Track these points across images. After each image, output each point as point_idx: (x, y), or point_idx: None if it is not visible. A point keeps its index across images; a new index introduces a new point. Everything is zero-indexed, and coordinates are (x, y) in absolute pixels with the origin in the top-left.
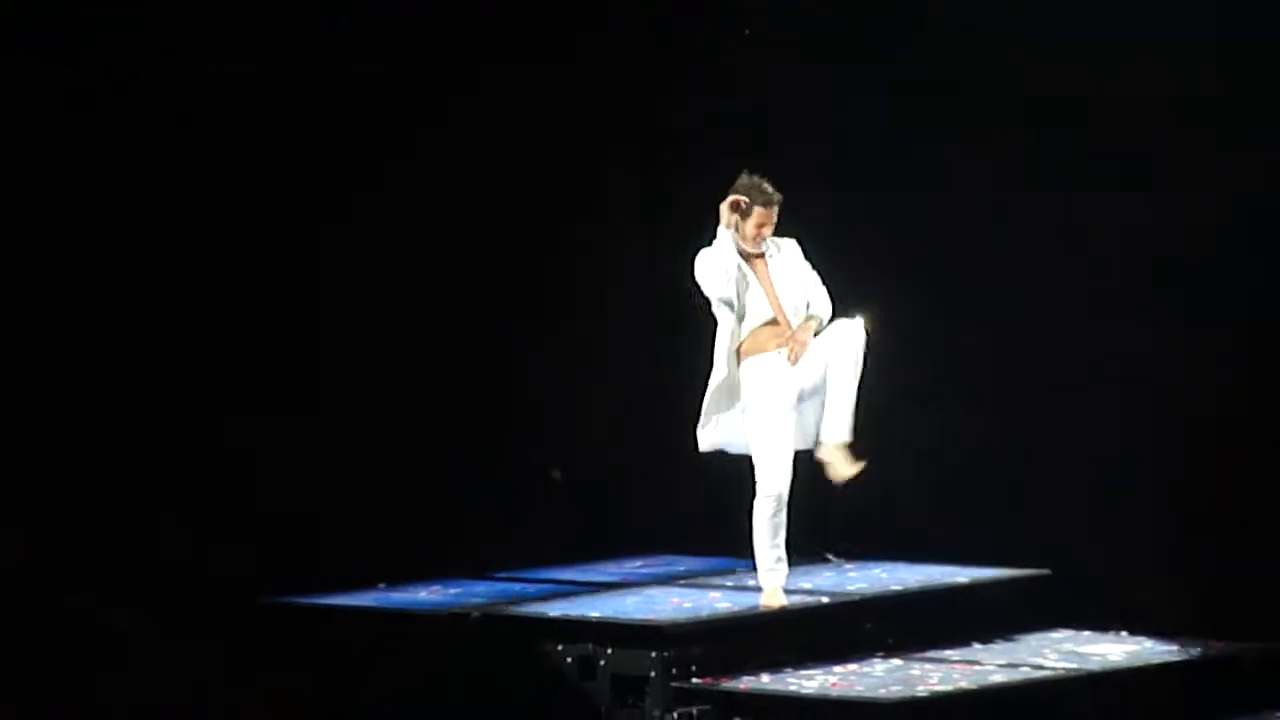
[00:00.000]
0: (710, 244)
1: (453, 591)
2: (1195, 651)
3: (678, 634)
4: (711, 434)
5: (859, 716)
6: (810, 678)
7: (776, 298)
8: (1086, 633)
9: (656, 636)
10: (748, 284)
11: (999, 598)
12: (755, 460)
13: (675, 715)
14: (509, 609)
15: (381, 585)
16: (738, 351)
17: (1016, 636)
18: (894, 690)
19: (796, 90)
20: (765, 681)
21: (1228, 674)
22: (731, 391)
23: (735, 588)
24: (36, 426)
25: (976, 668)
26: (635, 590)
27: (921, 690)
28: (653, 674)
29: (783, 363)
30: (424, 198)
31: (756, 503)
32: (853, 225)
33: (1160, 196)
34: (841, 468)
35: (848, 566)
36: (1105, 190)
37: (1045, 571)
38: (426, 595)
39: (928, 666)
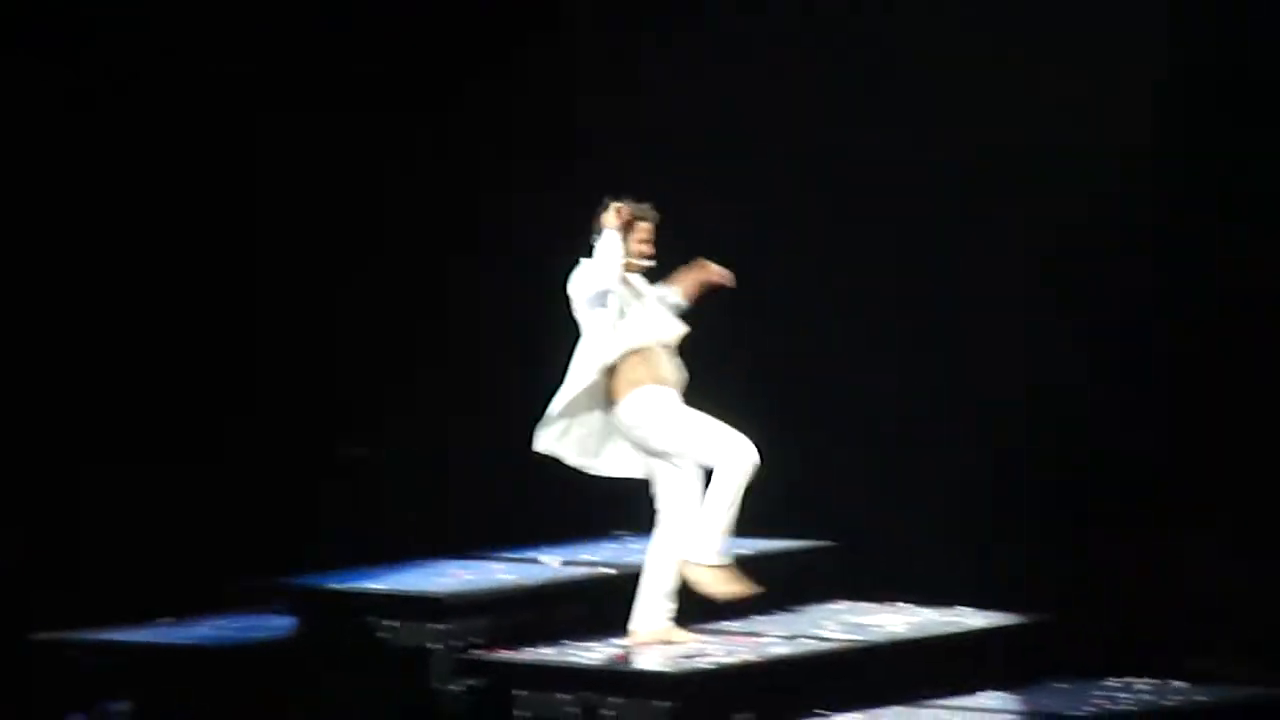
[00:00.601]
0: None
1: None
2: (976, 622)
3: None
4: (552, 438)
5: (643, 688)
6: (590, 650)
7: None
8: (866, 604)
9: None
10: (630, 298)
11: (780, 570)
12: (714, 456)
13: (460, 687)
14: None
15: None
16: (611, 373)
17: (797, 608)
18: (678, 663)
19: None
20: (546, 653)
21: (1008, 642)
22: (591, 401)
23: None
24: None
25: (757, 639)
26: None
27: (704, 663)
28: (438, 646)
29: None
30: None
31: (733, 477)
32: None
33: None
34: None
35: (630, 540)
36: None
37: (829, 544)
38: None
39: (709, 639)
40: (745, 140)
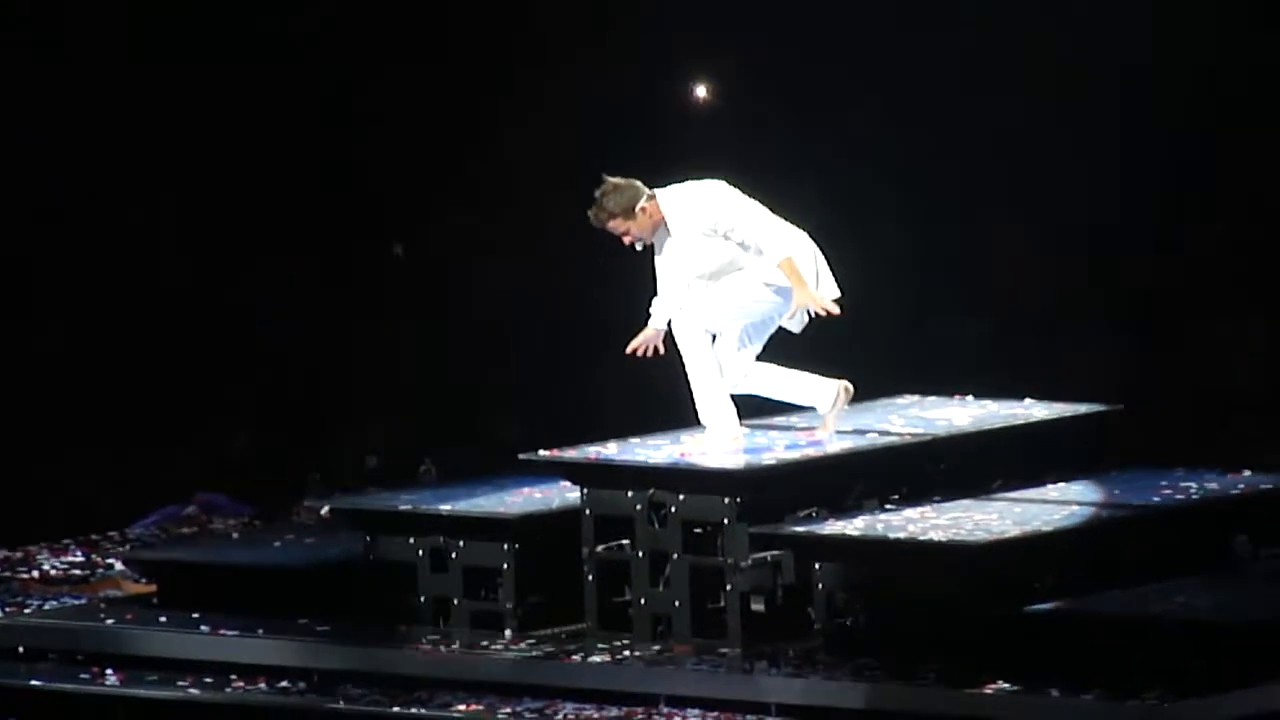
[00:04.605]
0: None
1: None
2: (1042, 413)
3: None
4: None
5: (707, 485)
6: (658, 448)
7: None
8: (933, 399)
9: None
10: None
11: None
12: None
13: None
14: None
15: None
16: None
17: (863, 404)
18: (742, 458)
19: None
20: (612, 451)
21: (1076, 434)
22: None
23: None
24: None
25: (822, 435)
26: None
27: (768, 458)
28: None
29: None
30: None
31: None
32: None
33: None
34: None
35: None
36: None
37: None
38: None
39: (774, 434)
40: None
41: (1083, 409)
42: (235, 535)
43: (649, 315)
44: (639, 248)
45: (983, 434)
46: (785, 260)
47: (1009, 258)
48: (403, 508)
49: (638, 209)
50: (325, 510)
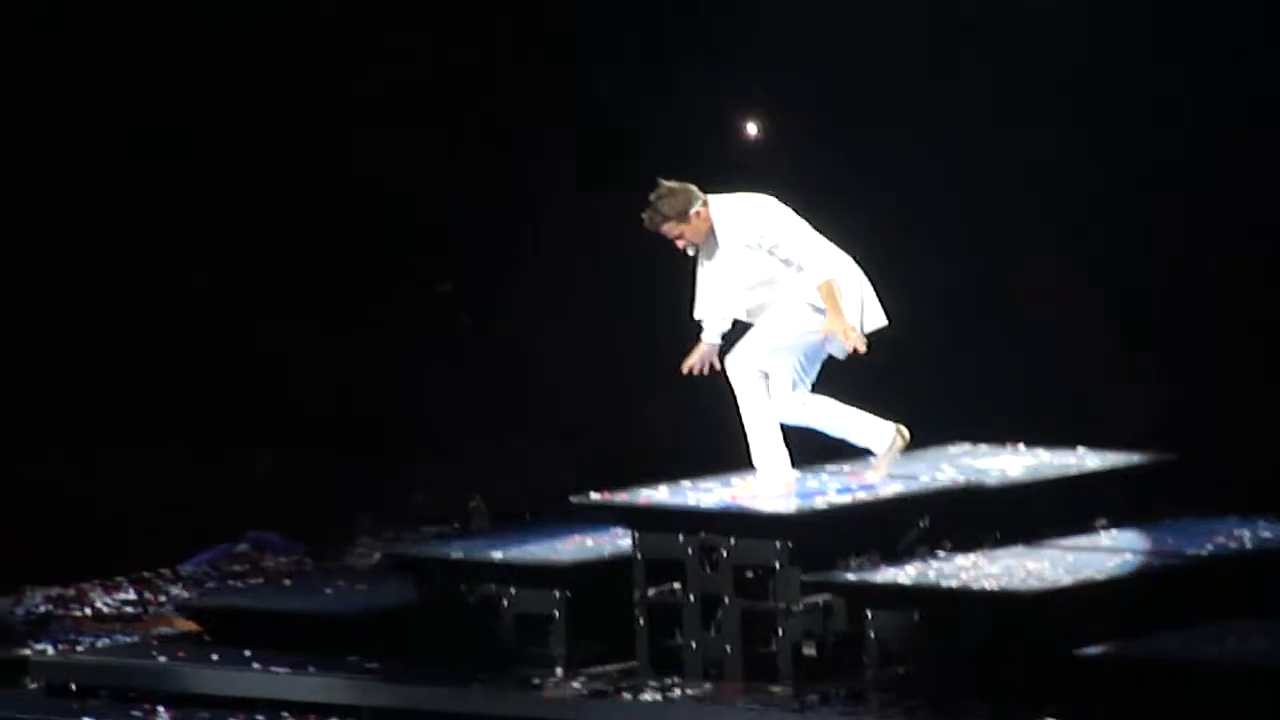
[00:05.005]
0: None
1: None
2: (1094, 463)
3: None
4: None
5: (758, 528)
6: (709, 490)
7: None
8: (985, 447)
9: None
10: None
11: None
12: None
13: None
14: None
15: None
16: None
17: (915, 451)
18: (793, 502)
19: None
20: (663, 494)
21: (1128, 482)
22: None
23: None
24: None
25: (875, 481)
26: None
27: (820, 502)
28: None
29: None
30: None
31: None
32: None
33: None
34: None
35: None
36: None
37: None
38: None
39: (826, 477)
40: None
41: (1135, 459)
42: (288, 582)
43: (699, 330)
44: (691, 252)
45: (1035, 483)
46: (825, 282)
47: (1054, 294)
48: (455, 555)
49: (691, 213)
50: (376, 557)
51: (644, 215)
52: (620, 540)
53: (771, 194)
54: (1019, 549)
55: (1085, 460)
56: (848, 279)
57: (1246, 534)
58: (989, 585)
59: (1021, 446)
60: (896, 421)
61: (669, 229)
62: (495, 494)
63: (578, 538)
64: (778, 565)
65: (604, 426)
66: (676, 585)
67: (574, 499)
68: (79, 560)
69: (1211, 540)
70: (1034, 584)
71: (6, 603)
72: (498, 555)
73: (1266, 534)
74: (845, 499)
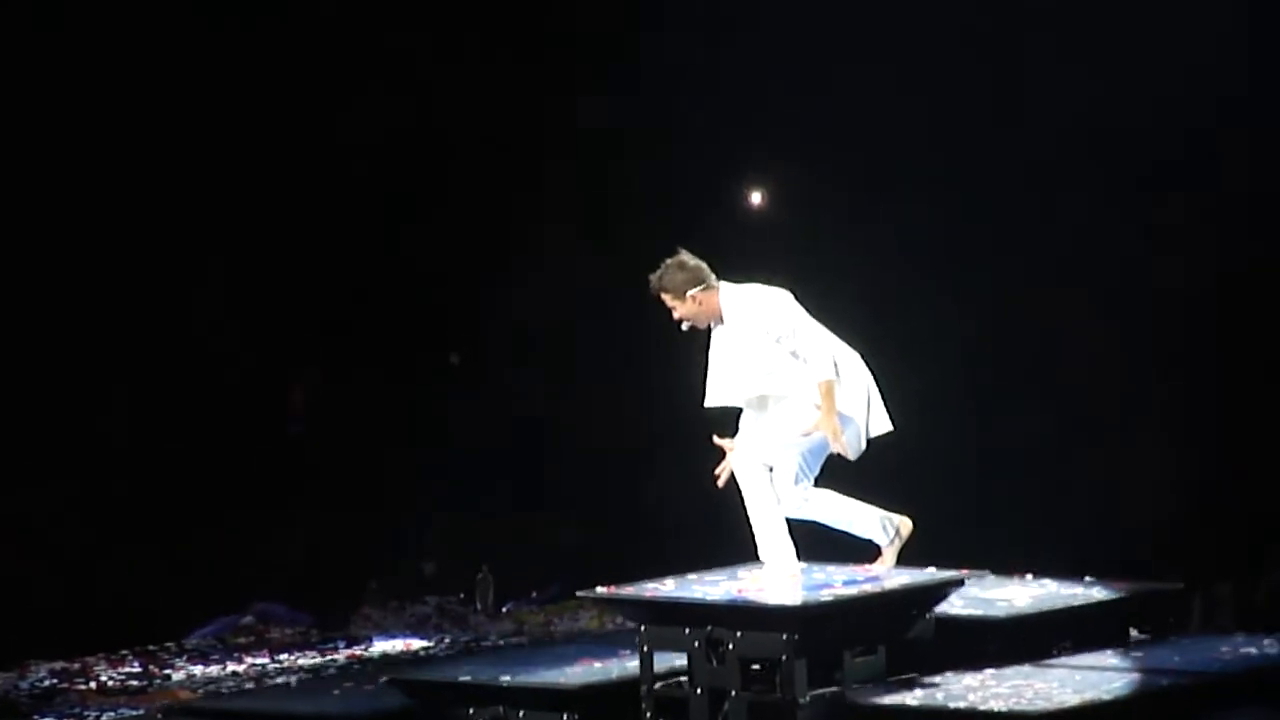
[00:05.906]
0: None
1: None
2: (1100, 594)
3: None
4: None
5: (765, 621)
6: (715, 583)
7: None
8: (991, 576)
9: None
10: None
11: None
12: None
13: None
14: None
15: None
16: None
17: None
18: (800, 595)
19: None
20: (670, 587)
21: (1135, 611)
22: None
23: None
24: None
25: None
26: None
27: (826, 595)
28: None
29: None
30: None
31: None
32: None
33: None
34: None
35: None
36: None
37: None
38: None
39: (832, 570)
40: None
41: (1142, 588)
42: (293, 683)
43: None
44: (684, 328)
45: (1042, 615)
46: (825, 381)
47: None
48: (462, 679)
49: (689, 294)
50: (383, 680)
51: (650, 277)
52: (628, 662)
53: (779, 276)
54: (1026, 668)
55: (1092, 591)
56: (855, 380)
57: (1253, 651)
58: (997, 706)
59: (1029, 577)
60: (900, 513)
61: (665, 299)
62: (502, 566)
63: (586, 660)
64: (784, 657)
65: (613, 494)
66: (683, 679)
67: (580, 593)
68: (83, 633)
69: (1218, 658)
70: (1041, 704)
71: (11, 677)
72: (505, 679)
73: (1273, 651)
74: (851, 591)
